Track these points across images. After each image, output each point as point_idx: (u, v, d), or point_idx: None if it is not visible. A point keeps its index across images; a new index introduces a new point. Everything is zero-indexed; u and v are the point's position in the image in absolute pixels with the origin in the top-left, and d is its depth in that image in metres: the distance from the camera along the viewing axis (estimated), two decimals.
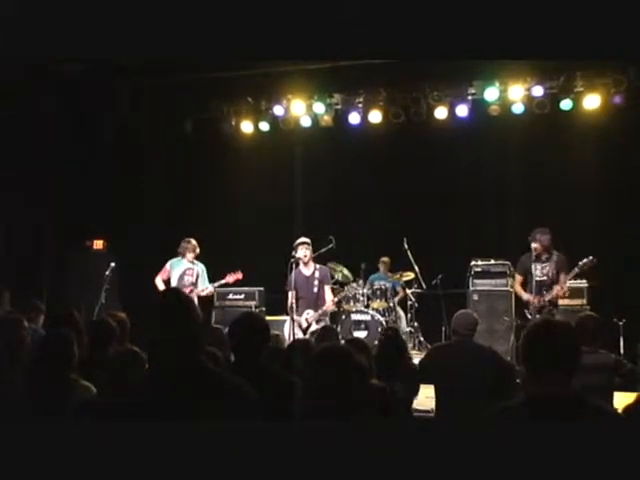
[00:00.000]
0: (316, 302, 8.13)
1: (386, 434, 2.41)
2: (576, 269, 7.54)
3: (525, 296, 7.67)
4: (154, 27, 3.47)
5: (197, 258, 8.79)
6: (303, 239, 8.21)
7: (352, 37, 3.44)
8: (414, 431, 2.47)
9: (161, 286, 8.58)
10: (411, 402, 5.07)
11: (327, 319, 8.40)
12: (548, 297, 7.50)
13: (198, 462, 2.34)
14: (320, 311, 8.05)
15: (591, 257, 7.44)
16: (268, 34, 3.46)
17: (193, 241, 8.71)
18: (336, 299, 8.22)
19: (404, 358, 5.47)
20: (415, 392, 5.29)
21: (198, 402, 2.48)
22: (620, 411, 2.83)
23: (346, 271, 9.82)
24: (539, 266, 7.59)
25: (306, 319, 8.04)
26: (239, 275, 8.74)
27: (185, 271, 8.66)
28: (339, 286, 9.51)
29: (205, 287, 8.62)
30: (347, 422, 2.58)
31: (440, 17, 3.42)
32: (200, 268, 8.72)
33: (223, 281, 8.76)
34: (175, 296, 2.79)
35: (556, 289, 7.51)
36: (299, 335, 7.85)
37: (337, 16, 3.39)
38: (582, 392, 2.65)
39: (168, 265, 8.73)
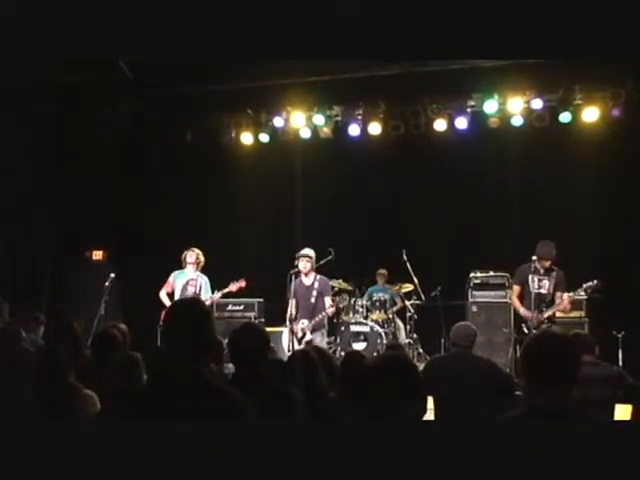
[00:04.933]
0: (313, 312, 8.14)
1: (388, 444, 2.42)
2: (580, 291, 7.51)
3: (522, 311, 7.65)
4: (153, 27, 3.49)
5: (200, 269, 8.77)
6: (304, 252, 8.21)
7: (350, 37, 3.46)
8: (414, 440, 2.48)
9: (166, 300, 8.54)
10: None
11: (324, 331, 8.37)
12: (547, 314, 7.49)
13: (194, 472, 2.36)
14: (313, 321, 8.05)
15: (596, 281, 7.41)
16: (267, 34, 3.49)
17: (196, 250, 8.69)
18: (329, 310, 8.19)
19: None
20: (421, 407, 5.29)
21: (195, 415, 2.49)
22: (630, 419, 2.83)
23: (344, 284, 9.83)
24: (536, 278, 7.59)
25: (301, 328, 8.06)
26: (242, 283, 8.67)
27: (188, 282, 8.62)
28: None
29: (209, 297, 8.59)
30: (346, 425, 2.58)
31: (439, 18, 3.44)
32: (204, 280, 8.67)
33: (226, 290, 8.72)
34: (192, 306, 2.82)
35: (559, 307, 7.50)
36: (296, 345, 7.88)
37: (336, 17, 3.42)
38: (584, 404, 2.66)
39: (171, 278, 8.70)
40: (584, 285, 7.46)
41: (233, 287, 8.67)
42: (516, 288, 7.90)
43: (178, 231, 10.43)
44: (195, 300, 3.22)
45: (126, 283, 9.76)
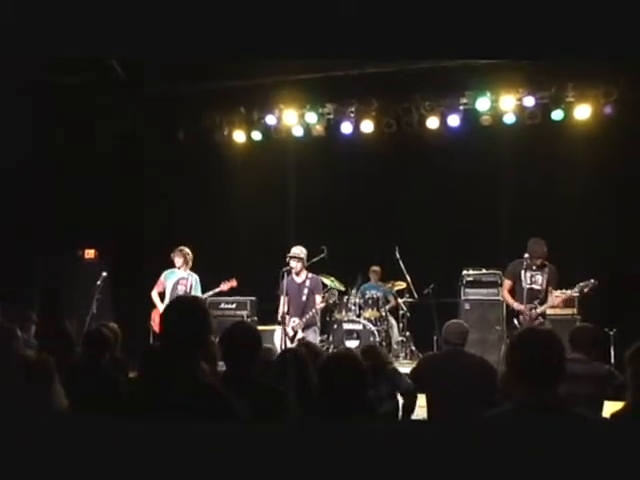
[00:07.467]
0: (304, 310, 8.11)
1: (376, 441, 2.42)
2: (576, 289, 7.50)
3: (516, 305, 7.61)
4: (152, 27, 3.49)
5: (191, 267, 8.77)
6: (294, 251, 8.17)
7: (349, 36, 3.46)
8: (406, 437, 2.48)
9: (157, 299, 8.55)
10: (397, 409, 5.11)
11: (317, 328, 8.34)
12: (540, 310, 7.48)
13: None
14: (304, 319, 8.04)
15: (593, 280, 7.39)
16: (266, 34, 3.48)
17: (186, 249, 8.69)
18: (319, 307, 8.17)
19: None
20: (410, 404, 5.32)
21: (187, 412, 2.49)
22: (608, 415, 2.85)
23: (336, 283, 9.82)
24: (529, 274, 7.57)
25: (292, 327, 8.04)
26: (234, 283, 8.73)
27: (179, 281, 8.62)
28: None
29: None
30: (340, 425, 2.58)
31: (437, 18, 3.44)
32: (194, 279, 8.68)
33: (217, 289, 8.76)
34: (192, 305, 2.82)
35: (552, 304, 7.51)
36: (288, 343, 7.86)
37: (335, 16, 3.42)
38: (573, 400, 2.67)
39: (162, 277, 8.69)
40: (581, 284, 7.44)
41: (224, 287, 8.71)
42: (507, 282, 7.84)
43: (170, 229, 10.40)
44: (195, 298, 3.22)
45: (118, 281, 9.73)
